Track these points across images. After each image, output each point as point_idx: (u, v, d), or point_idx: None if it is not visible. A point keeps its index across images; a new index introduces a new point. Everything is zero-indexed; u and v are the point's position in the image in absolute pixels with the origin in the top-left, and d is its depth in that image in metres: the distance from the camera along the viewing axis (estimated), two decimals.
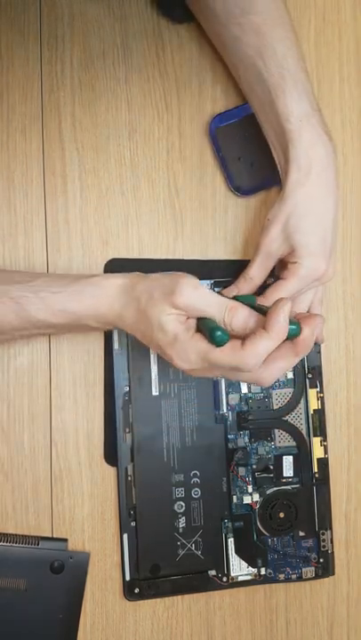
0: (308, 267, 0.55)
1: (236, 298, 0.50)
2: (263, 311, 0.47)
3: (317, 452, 0.63)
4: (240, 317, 0.47)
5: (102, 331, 0.59)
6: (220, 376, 0.50)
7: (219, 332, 0.46)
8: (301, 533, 0.62)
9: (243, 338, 0.47)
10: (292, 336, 0.47)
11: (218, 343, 0.46)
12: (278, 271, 0.59)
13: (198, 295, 0.48)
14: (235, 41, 0.57)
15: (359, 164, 0.66)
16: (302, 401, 0.62)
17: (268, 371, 0.47)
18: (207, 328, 0.47)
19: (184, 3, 0.60)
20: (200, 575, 0.60)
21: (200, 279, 0.60)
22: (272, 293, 0.56)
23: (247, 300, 0.49)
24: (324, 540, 0.62)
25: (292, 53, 0.56)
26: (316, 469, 0.62)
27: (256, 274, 0.58)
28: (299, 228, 0.55)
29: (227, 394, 0.61)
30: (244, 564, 0.61)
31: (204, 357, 0.47)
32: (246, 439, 0.62)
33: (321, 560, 0.62)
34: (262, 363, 0.47)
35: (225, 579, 0.61)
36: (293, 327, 0.47)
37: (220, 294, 0.50)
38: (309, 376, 0.63)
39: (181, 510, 0.60)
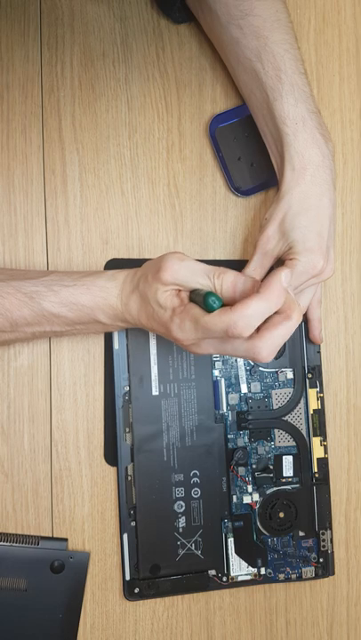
0: (306, 262, 0.56)
1: None
2: None
3: (317, 451, 0.63)
4: (228, 280, 0.48)
5: (110, 330, 0.59)
6: (218, 351, 0.49)
7: (212, 297, 0.46)
8: (301, 533, 0.62)
9: None
10: None
11: (210, 307, 0.46)
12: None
13: (184, 267, 0.48)
14: (234, 43, 0.57)
15: (359, 164, 0.66)
16: (302, 401, 0.63)
17: (263, 340, 0.46)
18: (199, 295, 0.47)
19: (184, 3, 0.60)
20: (200, 575, 0.60)
21: None
22: None
23: None
24: (323, 540, 0.62)
25: (290, 56, 0.56)
26: (315, 469, 0.62)
27: (253, 272, 0.58)
28: (295, 225, 0.56)
29: (227, 394, 0.61)
30: (244, 563, 0.61)
31: (196, 324, 0.47)
32: (246, 439, 0.62)
33: (321, 560, 0.62)
34: (257, 333, 0.46)
35: (225, 579, 0.61)
36: None
37: None
38: (309, 376, 0.63)
39: (181, 510, 0.60)
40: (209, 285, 0.48)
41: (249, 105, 0.60)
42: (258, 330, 0.46)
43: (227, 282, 0.48)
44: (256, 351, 0.46)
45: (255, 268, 0.58)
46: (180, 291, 0.49)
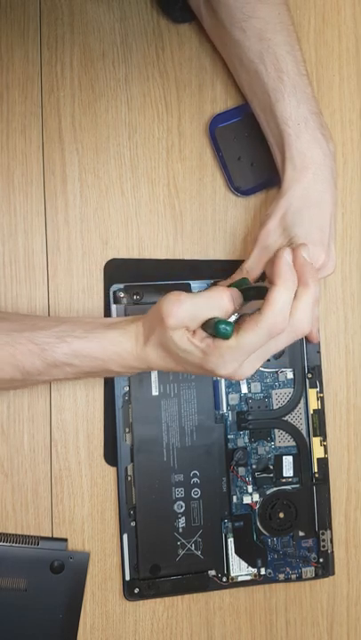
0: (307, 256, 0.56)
1: (229, 285, 0.50)
2: (258, 288, 0.48)
3: (317, 451, 0.63)
4: (233, 296, 0.47)
5: (126, 375, 0.59)
6: (264, 358, 0.48)
7: (223, 324, 0.46)
8: (301, 533, 0.62)
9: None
10: None
11: (224, 335, 0.46)
12: None
13: (184, 307, 0.47)
14: (237, 45, 0.57)
15: (359, 164, 0.66)
16: (302, 401, 0.63)
17: (297, 316, 0.46)
18: (209, 327, 0.47)
19: (186, 3, 0.60)
20: (200, 575, 0.60)
21: (200, 279, 0.61)
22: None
23: (240, 283, 0.50)
24: (323, 540, 0.62)
25: (293, 58, 0.56)
26: (315, 469, 0.62)
27: (252, 266, 0.58)
28: (296, 221, 0.56)
29: (227, 394, 0.61)
30: (244, 564, 0.61)
31: (237, 351, 0.46)
32: (246, 439, 0.62)
33: (321, 560, 0.62)
34: (289, 315, 0.46)
35: (225, 579, 0.61)
36: None
37: (216, 285, 0.51)
38: (309, 376, 0.63)
39: (181, 510, 0.60)
40: (219, 313, 0.47)
41: (251, 105, 0.60)
42: None
43: (233, 298, 0.47)
44: (297, 329, 0.47)
45: (254, 263, 0.58)
46: (194, 331, 0.48)
